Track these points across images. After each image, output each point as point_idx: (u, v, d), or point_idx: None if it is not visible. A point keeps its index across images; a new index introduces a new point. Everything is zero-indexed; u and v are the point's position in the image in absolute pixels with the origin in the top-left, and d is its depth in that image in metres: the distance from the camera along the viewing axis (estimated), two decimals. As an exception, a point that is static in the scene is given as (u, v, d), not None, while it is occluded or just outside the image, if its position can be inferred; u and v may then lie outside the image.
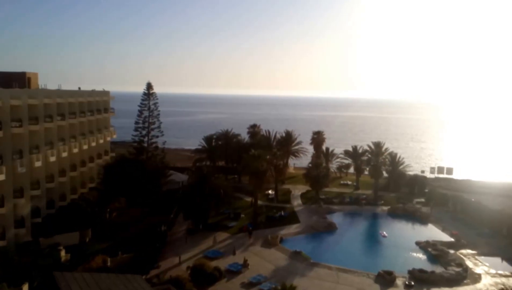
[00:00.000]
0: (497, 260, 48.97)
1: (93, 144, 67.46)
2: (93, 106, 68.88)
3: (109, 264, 43.07)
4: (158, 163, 60.73)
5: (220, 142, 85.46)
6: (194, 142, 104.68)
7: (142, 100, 61.84)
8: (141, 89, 62.15)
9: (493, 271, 45.64)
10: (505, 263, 48.22)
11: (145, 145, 61.56)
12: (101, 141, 71.28)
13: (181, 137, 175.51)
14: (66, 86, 66.61)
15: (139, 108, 62.37)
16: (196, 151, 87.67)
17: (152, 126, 61.84)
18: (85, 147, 64.38)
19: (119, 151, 74.21)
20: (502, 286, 32.39)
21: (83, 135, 64.53)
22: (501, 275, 44.43)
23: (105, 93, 75.57)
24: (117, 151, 75.89)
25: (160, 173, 59.44)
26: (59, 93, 59.44)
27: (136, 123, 62.14)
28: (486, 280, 43.12)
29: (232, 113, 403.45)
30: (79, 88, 68.88)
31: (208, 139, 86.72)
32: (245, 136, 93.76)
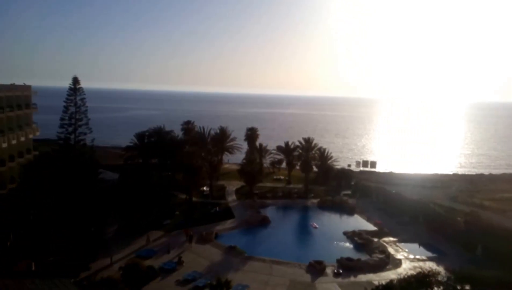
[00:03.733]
0: (415, 246, 53.34)
1: (14, 141, 63.03)
2: (13, 101, 64.26)
3: (33, 268, 40.73)
4: (87, 161, 58.17)
5: (152, 139, 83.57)
6: (124, 140, 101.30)
7: (68, 95, 58.75)
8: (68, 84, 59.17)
9: (412, 256, 49.67)
10: (422, 249, 52.65)
11: (72, 142, 58.62)
12: (22, 138, 66.80)
13: (111, 135, 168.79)
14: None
15: (64, 103, 59.26)
16: (127, 148, 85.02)
17: (80, 123, 58.93)
18: (4, 145, 60.00)
19: (43, 149, 69.98)
20: (420, 270, 35.27)
21: (1, 132, 60.06)
22: (418, 260, 48.48)
23: (26, 87, 70.73)
24: (40, 149, 71.58)
25: (89, 172, 57.11)
26: (-27, 87, 54.77)
27: (62, 119, 58.85)
28: (406, 265, 46.79)
29: (165, 109, 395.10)
30: (-4, 82, 63.90)
31: (139, 136, 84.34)
32: (179, 133, 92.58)
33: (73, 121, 58.61)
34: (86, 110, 59.55)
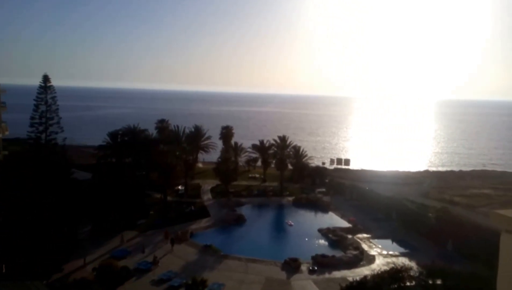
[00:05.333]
0: (388, 242, 54.46)
1: (-20, 141, 60.98)
2: (-21, 100, 62.18)
3: (4, 270, 39.58)
4: (59, 160, 56.89)
5: (126, 138, 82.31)
6: (97, 138, 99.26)
7: (38, 93, 57.28)
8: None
9: (385, 252, 50.71)
10: (395, 245, 53.77)
11: (43, 142, 57.20)
12: (-10, 138, 64.78)
13: (83, 134, 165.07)
14: None
15: (34, 102, 57.72)
16: (100, 147, 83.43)
17: (51, 122, 57.53)
18: (-29, 144, 57.93)
19: (13, 149, 67.98)
20: (393, 265, 36.19)
21: (-33, 131, 57.96)
22: (391, 255, 49.52)
23: (-7, 85, 68.62)
24: (10, 149, 69.50)
25: (61, 171, 55.90)
26: None
27: (32, 118, 57.36)
28: (379, 261, 47.76)
29: (138, 108, 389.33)
30: (-38, 79, 61.59)
31: (113, 135, 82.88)
32: (153, 131, 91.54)
33: (43, 120, 57.23)
34: (57, 109, 58.27)
